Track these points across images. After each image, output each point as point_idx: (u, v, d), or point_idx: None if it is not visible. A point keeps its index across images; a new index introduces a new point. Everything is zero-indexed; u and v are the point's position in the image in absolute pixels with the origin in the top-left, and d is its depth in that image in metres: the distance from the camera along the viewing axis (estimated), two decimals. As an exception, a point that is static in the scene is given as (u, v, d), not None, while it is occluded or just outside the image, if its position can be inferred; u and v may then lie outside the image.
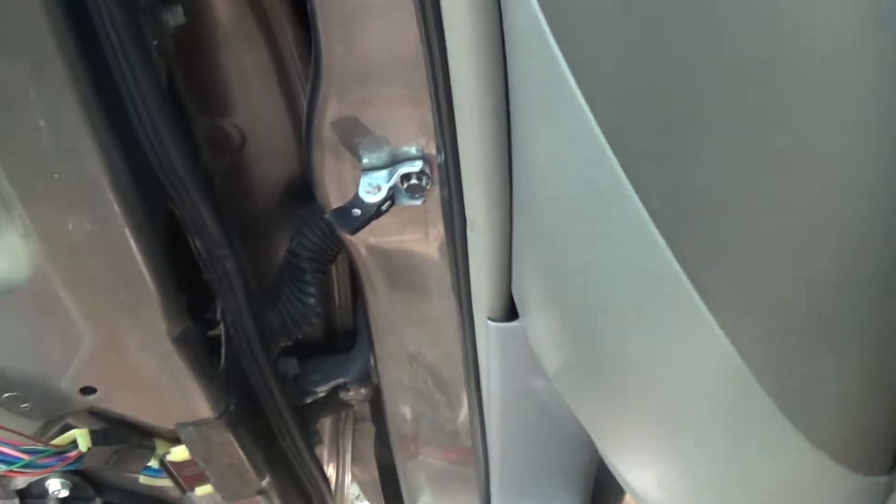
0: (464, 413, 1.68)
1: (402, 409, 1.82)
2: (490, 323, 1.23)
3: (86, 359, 1.22)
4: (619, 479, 1.16)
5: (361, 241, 1.41)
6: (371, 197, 1.21)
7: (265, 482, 1.59)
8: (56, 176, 1.00)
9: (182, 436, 1.40)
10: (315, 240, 1.44)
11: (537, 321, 1.15)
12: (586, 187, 0.81)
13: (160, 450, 1.45)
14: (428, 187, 1.23)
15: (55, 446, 1.34)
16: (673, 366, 0.80)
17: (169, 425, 1.40)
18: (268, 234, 1.51)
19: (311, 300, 1.48)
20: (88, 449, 1.34)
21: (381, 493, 2.31)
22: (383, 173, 1.22)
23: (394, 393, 1.77)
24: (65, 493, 1.54)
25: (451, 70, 0.98)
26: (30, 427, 1.33)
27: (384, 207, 1.22)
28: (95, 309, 1.16)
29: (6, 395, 1.27)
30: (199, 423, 1.37)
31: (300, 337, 1.55)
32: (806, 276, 0.60)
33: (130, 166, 1.05)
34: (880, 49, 0.50)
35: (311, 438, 1.77)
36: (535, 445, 1.57)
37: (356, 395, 1.76)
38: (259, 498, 1.64)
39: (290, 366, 1.66)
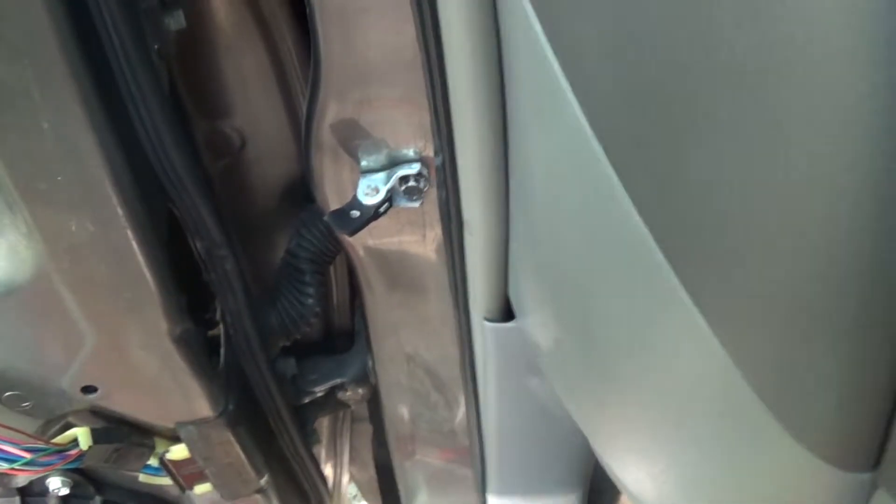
0: (461, 413, 1.68)
1: (399, 409, 1.83)
2: (487, 323, 1.24)
3: (87, 358, 1.23)
4: (613, 478, 1.16)
5: (360, 243, 1.41)
6: (369, 199, 1.22)
7: (264, 481, 1.59)
8: (59, 177, 1.01)
9: (182, 435, 1.41)
10: (314, 241, 1.45)
11: (533, 322, 1.16)
12: (579, 190, 0.82)
13: (160, 448, 1.46)
14: (425, 189, 1.23)
15: (56, 444, 1.35)
16: (664, 366, 0.81)
17: (169, 424, 1.41)
18: (267, 236, 1.53)
19: (310, 301, 1.49)
20: (89, 447, 1.35)
21: (378, 493, 2.32)
22: (381, 175, 1.23)
23: (391, 393, 1.78)
24: (65, 491, 1.54)
25: (448, 73, 0.99)
26: (31, 425, 1.34)
27: (382, 209, 1.23)
28: (97, 309, 1.17)
29: (8, 393, 1.27)
30: (198, 422, 1.38)
31: (299, 337, 1.56)
32: (793, 278, 0.61)
33: (132, 168, 1.05)
34: (865, 54, 0.51)
35: (310, 438, 1.77)
36: (531, 445, 1.58)
37: (354, 395, 1.77)
38: (257, 496, 1.65)
39: (289, 366, 1.66)
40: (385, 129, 1.21)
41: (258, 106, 1.38)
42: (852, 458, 0.64)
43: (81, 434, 1.35)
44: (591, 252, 0.86)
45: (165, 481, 1.56)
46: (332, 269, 1.64)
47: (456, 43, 0.94)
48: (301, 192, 1.44)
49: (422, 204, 1.26)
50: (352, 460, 2.28)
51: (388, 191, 1.22)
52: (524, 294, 1.15)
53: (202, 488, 1.57)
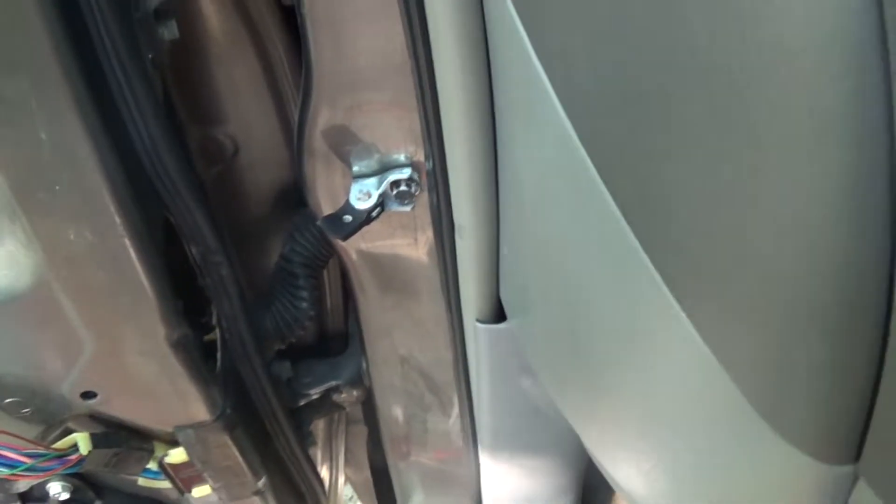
0: (455, 414, 1.68)
1: (393, 411, 1.83)
2: (479, 325, 1.25)
3: (86, 364, 1.23)
4: (605, 476, 1.18)
5: (352, 247, 1.42)
6: (362, 204, 1.23)
7: (261, 483, 1.59)
8: (57, 187, 1.02)
9: (180, 438, 1.41)
10: (307, 245, 1.45)
11: (525, 323, 1.17)
12: (565, 193, 0.83)
13: (159, 452, 1.47)
14: (417, 193, 1.24)
15: (56, 450, 1.36)
16: (651, 365, 0.82)
17: (167, 428, 1.41)
18: (260, 241, 1.53)
19: (304, 304, 1.50)
20: (89, 452, 1.36)
21: (373, 494, 2.33)
22: (373, 180, 1.23)
23: (386, 395, 1.78)
24: (65, 496, 1.54)
25: (438, 79, 1.00)
26: (31, 431, 1.34)
27: (374, 214, 1.24)
28: (96, 315, 1.17)
29: (8, 400, 1.28)
30: (196, 426, 1.39)
31: (293, 340, 1.57)
32: (774, 277, 0.63)
33: (129, 177, 1.06)
34: (836, 63, 0.53)
35: (305, 440, 1.78)
36: (524, 444, 1.58)
37: (349, 397, 1.77)
38: (255, 498, 1.65)
39: (284, 369, 1.67)
40: (376, 134, 1.21)
41: (250, 113, 1.38)
42: (834, 452, 0.66)
43: (81, 439, 1.36)
44: (578, 254, 0.87)
45: (164, 485, 1.56)
46: (325, 272, 1.64)
47: (444, 50, 0.95)
48: (294, 197, 1.44)
49: (413, 208, 1.27)
50: (347, 462, 2.27)
51: (380, 195, 1.23)
52: (515, 296, 1.16)
53: (201, 491, 1.57)
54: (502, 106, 0.95)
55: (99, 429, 1.39)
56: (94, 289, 1.14)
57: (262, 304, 1.50)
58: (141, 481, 1.55)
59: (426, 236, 1.35)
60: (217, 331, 1.39)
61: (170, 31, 1.15)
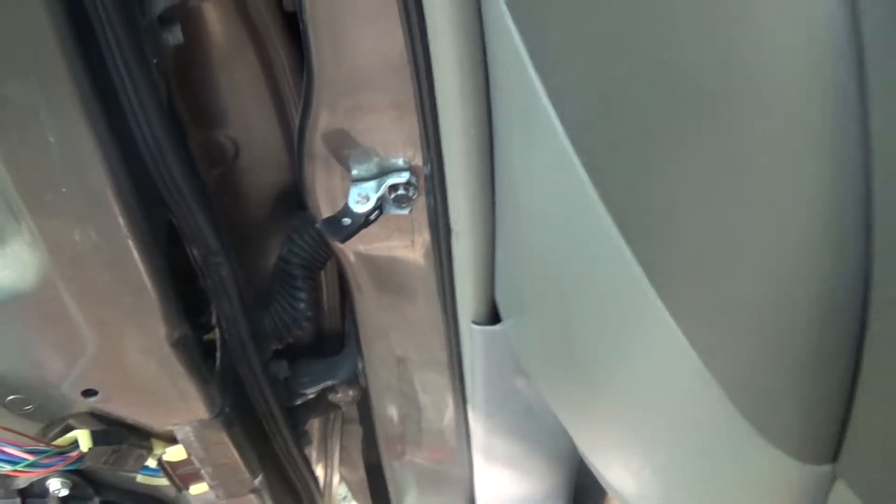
0: (449, 414, 1.69)
1: (389, 411, 1.84)
2: (474, 326, 1.27)
3: (88, 362, 1.24)
4: (596, 475, 1.19)
5: (351, 249, 1.43)
6: (360, 207, 1.24)
7: (258, 481, 1.60)
8: (64, 189, 1.03)
9: (179, 436, 1.43)
10: (305, 247, 1.47)
11: (519, 324, 1.19)
12: (559, 199, 0.84)
13: (157, 450, 1.48)
14: (414, 197, 1.25)
15: (57, 447, 1.36)
16: (640, 366, 0.84)
17: (166, 426, 1.42)
18: (260, 242, 1.54)
19: (302, 305, 1.51)
20: (89, 449, 1.36)
21: (368, 494, 2.33)
22: (372, 184, 1.25)
23: (381, 395, 1.79)
24: (65, 492, 1.55)
25: (436, 86, 1.02)
26: (32, 429, 1.35)
27: (373, 217, 1.25)
28: (99, 315, 1.18)
29: (11, 397, 1.29)
30: (195, 424, 1.40)
31: (291, 340, 1.58)
32: (756, 287, 0.65)
33: (134, 179, 1.07)
34: (812, 78, 0.55)
35: (302, 439, 1.79)
36: (518, 444, 1.59)
37: (344, 396, 1.78)
38: (252, 496, 1.66)
39: (281, 368, 1.68)
40: (375, 139, 1.23)
41: (252, 116, 1.39)
42: (813, 452, 0.67)
43: (82, 436, 1.37)
44: (570, 258, 0.89)
45: (162, 482, 1.58)
46: (322, 274, 1.65)
47: (443, 58, 0.97)
48: (293, 199, 1.45)
49: (411, 211, 1.28)
50: (342, 461, 2.28)
51: (379, 199, 1.24)
52: (510, 298, 1.17)
53: (198, 488, 1.58)
54: (499, 113, 0.97)
55: (99, 426, 1.39)
56: (98, 288, 1.15)
57: (260, 305, 1.52)
58: (139, 478, 1.57)
59: (423, 239, 1.36)
60: (216, 331, 1.40)
61: (174, 37, 1.16)
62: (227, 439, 1.45)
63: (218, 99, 1.35)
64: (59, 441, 1.38)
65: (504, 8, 0.82)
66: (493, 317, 1.26)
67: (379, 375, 1.74)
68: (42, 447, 1.35)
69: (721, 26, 0.59)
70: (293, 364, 1.72)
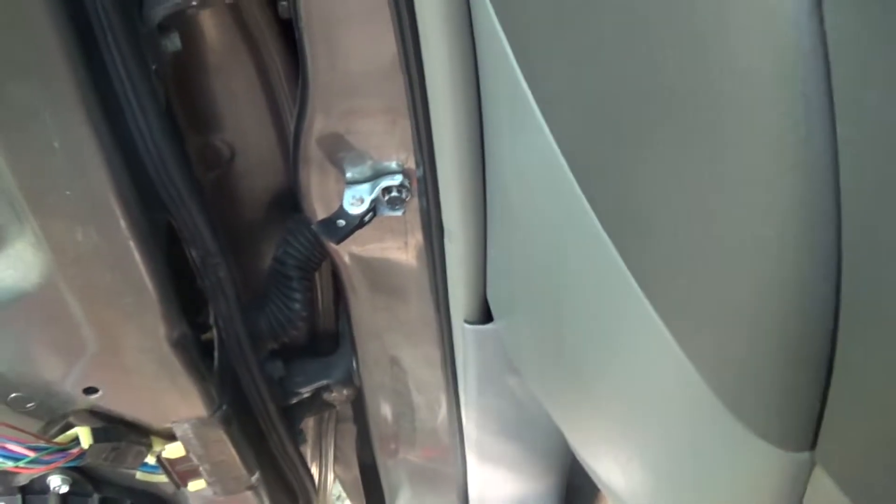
0: (442, 413, 1.70)
1: (383, 410, 1.86)
2: (467, 326, 1.28)
3: (90, 361, 1.26)
4: (587, 470, 1.21)
5: (345, 250, 1.45)
6: (355, 209, 1.26)
7: (254, 478, 1.62)
8: (67, 192, 1.05)
9: (178, 433, 1.44)
10: (301, 248, 1.48)
11: (510, 323, 1.20)
12: (547, 201, 0.87)
13: (156, 447, 1.48)
14: (407, 199, 1.27)
15: (58, 444, 1.39)
16: (627, 362, 0.86)
17: (165, 423, 1.43)
18: (255, 244, 1.56)
19: (297, 305, 1.53)
20: (90, 446, 1.37)
21: (362, 493, 2.34)
22: (366, 186, 1.27)
23: (375, 394, 1.81)
24: (65, 489, 1.56)
25: (429, 91, 1.04)
26: (33, 426, 1.36)
27: (367, 218, 1.27)
28: (100, 314, 1.20)
29: (13, 395, 1.30)
30: (193, 421, 1.41)
31: (286, 340, 1.59)
32: (735, 282, 0.67)
33: (135, 182, 1.10)
34: (786, 84, 0.57)
35: (297, 438, 1.80)
36: (510, 442, 1.60)
37: (339, 396, 1.79)
38: (248, 494, 1.67)
39: (276, 368, 1.68)
40: (369, 142, 1.25)
41: (247, 121, 1.41)
42: (792, 439, 0.70)
43: (82, 433, 1.38)
44: (559, 257, 0.91)
45: (161, 479, 1.59)
46: (317, 274, 1.66)
47: (435, 63, 0.99)
48: (287, 202, 1.47)
49: (404, 213, 1.30)
50: (336, 460, 2.28)
51: (373, 201, 1.27)
52: (502, 297, 1.19)
53: (196, 485, 1.60)
54: (489, 117, 0.99)
55: (99, 424, 1.40)
56: (99, 288, 1.17)
57: (256, 305, 1.53)
58: (139, 475, 1.58)
59: (416, 240, 1.38)
60: (214, 330, 1.42)
61: (173, 44, 1.18)
62: (224, 437, 1.47)
63: (214, 104, 1.37)
64: (60, 438, 1.39)
65: (493, 15, 0.85)
66: (485, 316, 1.28)
67: (373, 375, 1.75)
68: (43, 444, 1.36)
69: (694, 37, 0.62)
70: (288, 364, 1.72)
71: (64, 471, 1.54)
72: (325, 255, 1.51)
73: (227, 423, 1.45)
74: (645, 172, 0.71)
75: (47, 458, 1.38)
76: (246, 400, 1.57)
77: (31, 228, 1.09)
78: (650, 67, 0.67)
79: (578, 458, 1.24)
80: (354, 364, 1.76)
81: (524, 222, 0.99)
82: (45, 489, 1.57)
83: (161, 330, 1.24)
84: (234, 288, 1.39)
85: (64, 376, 1.29)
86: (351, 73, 1.17)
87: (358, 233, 1.29)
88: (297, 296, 1.53)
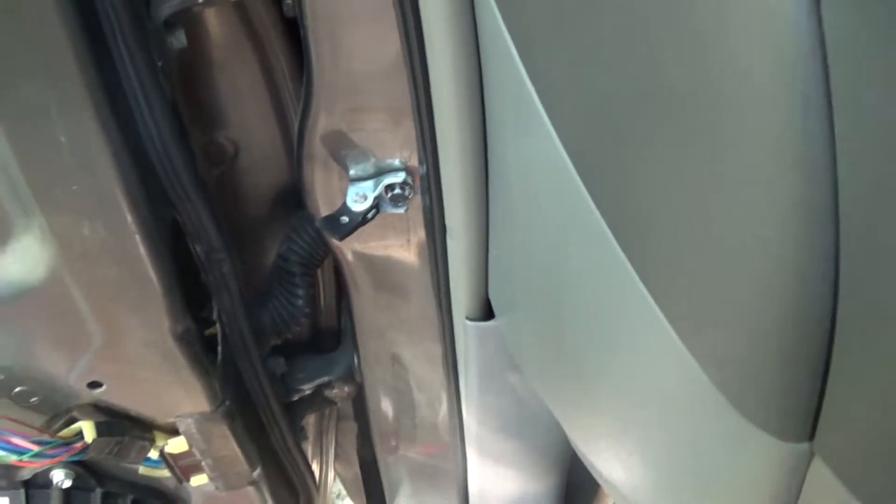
0: (443, 410, 1.71)
1: (384, 406, 1.86)
2: (468, 322, 1.28)
3: (94, 355, 1.27)
4: (587, 465, 1.21)
5: (348, 247, 1.46)
6: (358, 206, 1.27)
7: (256, 474, 1.63)
8: (74, 187, 1.06)
9: (181, 428, 1.45)
10: (304, 245, 1.50)
11: (511, 320, 1.21)
12: (551, 198, 0.88)
13: (159, 441, 1.49)
14: (410, 197, 1.28)
15: (62, 438, 1.40)
16: (629, 356, 0.87)
17: (169, 418, 1.45)
18: (258, 240, 1.57)
19: (300, 302, 1.54)
20: (93, 440, 1.38)
21: (362, 490, 2.35)
22: (369, 184, 1.28)
23: (376, 390, 1.82)
24: (68, 483, 1.57)
25: (433, 90, 1.05)
26: (37, 420, 1.37)
27: (370, 215, 1.28)
28: (105, 308, 1.21)
29: (17, 389, 1.32)
30: (197, 416, 1.42)
31: (289, 336, 1.61)
32: (736, 277, 0.68)
33: (141, 178, 1.11)
34: (782, 86, 0.58)
35: (298, 434, 1.81)
36: (510, 438, 1.60)
37: (340, 392, 1.81)
38: (250, 489, 1.68)
39: (278, 364, 1.70)
40: (372, 140, 1.26)
41: (251, 118, 1.42)
42: (791, 430, 0.71)
43: (86, 427, 1.38)
44: (562, 255, 0.92)
45: (164, 473, 1.59)
46: (319, 271, 1.68)
47: (439, 62, 1.00)
48: (290, 199, 1.49)
49: (406, 210, 1.31)
50: (337, 458, 2.29)
51: (376, 198, 1.28)
52: (503, 294, 1.19)
53: (198, 480, 1.60)
54: (493, 115, 0.99)
55: (102, 418, 1.41)
56: (105, 283, 1.18)
57: (259, 301, 1.54)
58: (142, 470, 1.59)
59: (418, 237, 1.39)
60: (217, 325, 1.42)
61: (178, 41, 1.19)
62: (227, 431, 1.47)
63: (219, 101, 1.38)
64: (64, 432, 1.40)
65: (497, 14, 0.86)
66: (486, 313, 1.28)
67: (374, 371, 1.76)
68: (47, 438, 1.37)
69: (694, 37, 0.63)
70: (290, 360, 1.74)
71: (67, 465, 1.55)
72: (328, 252, 1.52)
73: (230, 418, 1.46)
74: (647, 171, 0.72)
75: (51, 452, 1.38)
76: (248, 395, 1.58)
77: (38, 223, 1.10)
78: (650, 67, 0.68)
79: (579, 453, 1.24)
80: (356, 361, 1.77)
81: (527, 220, 0.99)
82: (48, 483, 1.58)
83: (166, 324, 1.25)
84: (238, 283, 1.40)
85: (68, 370, 1.31)
86: (355, 71, 1.17)
87: (361, 230, 1.30)
88: (300, 292, 1.54)
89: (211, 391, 1.39)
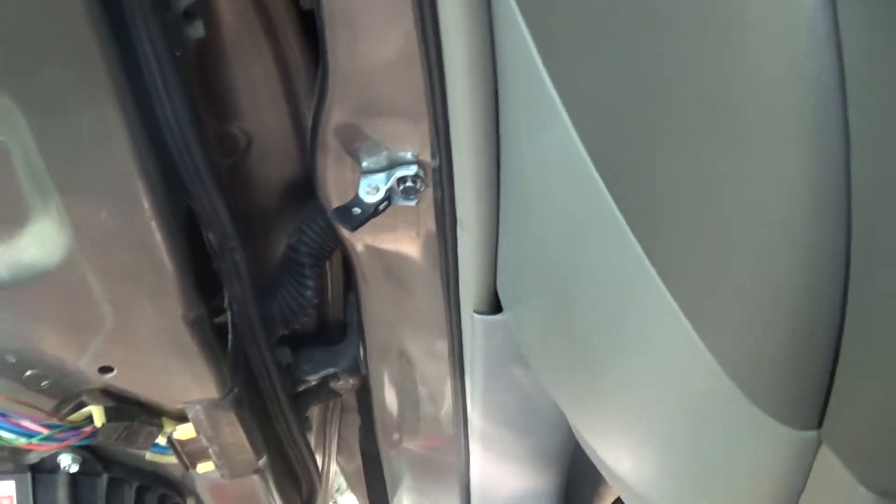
0: (448, 403, 1.72)
1: (388, 399, 1.87)
2: (476, 316, 1.29)
3: (106, 340, 1.28)
4: (591, 457, 1.23)
5: (358, 238, 1.47)
6: (370, 197, 1.28)
7: (262, 462, 1.64)
8: (93, 171, 1.08)
9: (190, 414, 1.46)
10: (314, 237, 1.51)
11: (520, 313, 1.22)
12: (567, 191, 0.89)
13: (167, 427, 1.51)
14: (422, 189, 1.29)
15: (71, 422, 1.42)
16: (641, 345, 0.88)
17: (178, 404, 1.46)
18: (268, 231, 1.57)
19: (309, 292, 1.56)
20: (103, 424, 1.40)
21: (364, 484, 2.36)
22: (381, 176, 1.29)
23: (381, 383, 1.83)
24: (75, 468, 1.58)
25: (448, 83, 1.06)
26: (47, 404, 1.40)
27: (382, 207, 1.29)
28: (119, 293, 1.22)
29: (28, 373, 1.33)
30: (206, 403, 1.44)
31: (297, 327, 1.62)
32: (749, 267, 0.69)
33: (159, 165, 1.12)
34: (800, 85, 0.60)
35: (303, 425, 1.82)
36: (514, 433, 1.61)
37: (345, 384, 1.82)
38: (255, 477, 1.70)
39: (285, 355, 1.72)
40: (385, 133, 1.26)
41: (264, 109, 1.43)
42: (800, 417, 0.72)
43: (96, 412, 1.41)
44: (577, 248, 0.93)
45: (170, 460, 1.62)
46: (327, 264, 1.70)
47: (455, 55, 1.00)
48: (301, 190, 1.49)
49: (417, 203, 1.32)
50: (340, 450, 2.31)
51: (388, 190, 1.28)
52: (512, 287, 1.20)
53: (204, 467, 1.62)
54: (508, 109, 1.00)
55: (111, 403, 1.43)
56: (120, 267, 1.19)
57: (268, 291, 1.55)
58: (148, 455, 1.61)
59: (428, 230, 1.40)
60: (228, 313, 1.44)
61: (196, 31, 1.20)
62: (235, 419, 1.49)
63: (233, 92, 1.39)
64: (73, 417, 1.42)
65: (515, 9, 0.87)
66: (494, 306, 1.29)
67: (380, 364, 1.77)
68: (56, 421, 1.39)
69: (711, 30, 0.64)
70: (296, 351, 1.76)
71: (74, 450, 1.56)
72: (338, 243, 1.54)
73: (238, 405, 1.48)
74: (664, 165, 0.73)
75: (60, 435, 1.40)
76: (256, 384, 1.59)
77: (56, 206, 1.11)
78: (667, 60, 0.69)
79: (584, 446, 1.25)
80: (362, 353, 1.78)
81: (542, 213, 1.00)
82: (55, 468, 1.58)
83: (179, 310, 1.26)
84: (249, 272, 1.41)
85: (80, 354, 1.32)
86: (371, 63, 1.18)
87: (371, 222, 1.31)
88: (310, 283, 1.55)
89: (220, 378, 1.41)
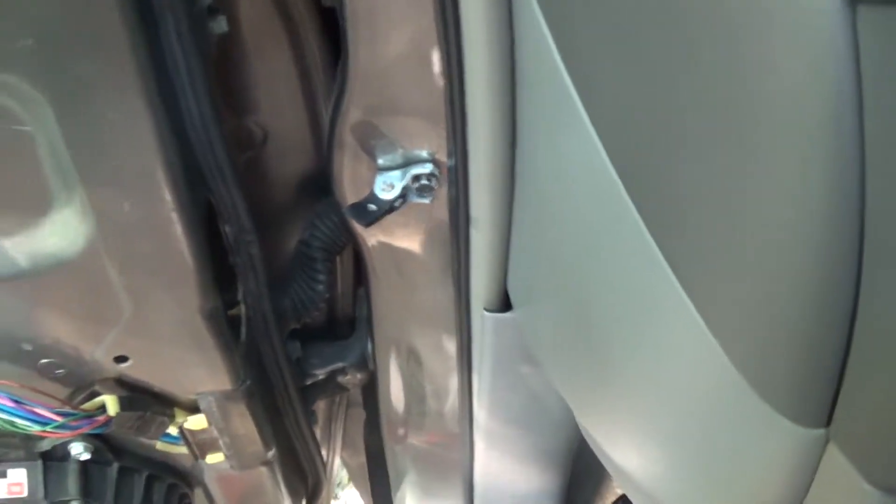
0: (454, 400, 1.71)
1: (395, 395, 1.88)
2: (486, 313, 1.31)
3: (123, 329, 1.30)
4: (599, 455, 1.24)
5: (371, 234, 1.48)
6: (385, 194, 1.29)
7: (270, 454, 1.66)
8: (117, 163, 1.09)
9: (202, 405, 1.48)
10: (327, 232, 1.53)
11: (531, 311, 1.23)
12: (585, 191, 0.91)
13: (179, 418, 1.53)
14: (437, 187, 1.30)
15: (85, 410, 1.43)
16: (654, 344, 0.90)
17: (190, 395, 1.48)
18: (282, 225, 1.58)
19: (320, 287, 1.57)
20: (116, 413, 1.42)
21: (367, 479, 2.37)
22: (397, 173, 1.30)
23: (389, 379, 1.84)
24: (86, 456, 1.58)
25: (467, 84, 1.07)
26: (61, 393, 1.41)
27: (397, 204, 1.30)
28: (138, 284, 1.24)
29: (43, 361, 1.35)
30: (218, 394, 1.46)
31: (308, 321, 1.63)
32: (763, 267, 0.71)
33: (182, 158, 1.14)
34: (816, 85, 0.61)
35: (311, 419, 1.83)
36: (519, 430, 1.62)
37: (353, 379, 1.83)
38: (263, 469, 1.71)
39: (294, 349, 1.72)
40: (402, 132, 1.27)
41: (282, 105, 1.44)
42: (809, 415, 0.74)
43: (110, 401, 1.43)
44: (593, 246, 0.95)
45: (181, 450, 1.63)
46: (338, 259, 1.70)
47: (475, 56, 1.02)
48: (315, 186, 1.51)
49: (432, 201, 1.33)
50: (344, 445, 2.32)
51: (403, 188, 1.29)
52: (523, 286, 1.22)
53: (214, 458, 1.64)
54: (526, 110, 1.02)
55: (124, 393, 1.45)
56: (140, 258, 1.21)
57: (280, 285, 1.56)
58: (159, 445, 1.62)
59: (440, 228, 1.40)
60: (242, 306, 1.45)
61: (219, 26, 1.21)
62: (246, 410, 1.51)
63: (251, 87, 1.40)
64: (87, 405, 1.44)
65: (537, 11, 0.88)
66: (504, 304, 1.30)
67: (388, 359, 1.78)
68: (70, 410, 1.41)
69: (729, 34, 0.66)
70: (305, 345, 1.76)
71: (86, 438, 1.56)
72: (350, 239, 1.55)
73: (249, 397, 1.49)
74: (683, 167, 0.75)
75: (74, 423, 1.42)
76: (267, 377, 1.60)
77: (80, 197, 1.13)
78: (687, 64, 0.70)
79: (590, 443, 1.27)
80: (370, 348, 1.79)
81: (559, 213, 1.01)
82: (65, 456, 1.59)
83: (196, 302, 1.28)
84: (264, 266, 1.42)
85: (97, 344, 1.34)
86: (391, 62, 1.19)
87: (385, 219, 1.32)
88: (321, 277, 1.57)
89: (233, 370, 1.42)
